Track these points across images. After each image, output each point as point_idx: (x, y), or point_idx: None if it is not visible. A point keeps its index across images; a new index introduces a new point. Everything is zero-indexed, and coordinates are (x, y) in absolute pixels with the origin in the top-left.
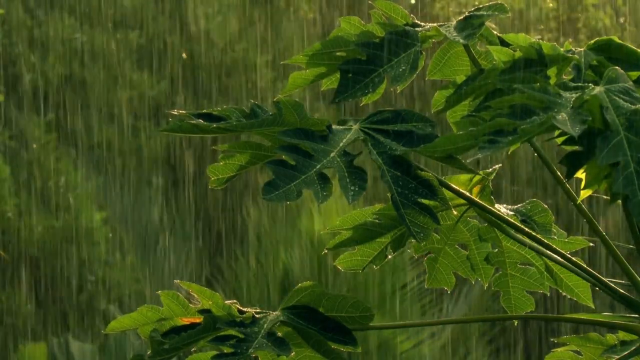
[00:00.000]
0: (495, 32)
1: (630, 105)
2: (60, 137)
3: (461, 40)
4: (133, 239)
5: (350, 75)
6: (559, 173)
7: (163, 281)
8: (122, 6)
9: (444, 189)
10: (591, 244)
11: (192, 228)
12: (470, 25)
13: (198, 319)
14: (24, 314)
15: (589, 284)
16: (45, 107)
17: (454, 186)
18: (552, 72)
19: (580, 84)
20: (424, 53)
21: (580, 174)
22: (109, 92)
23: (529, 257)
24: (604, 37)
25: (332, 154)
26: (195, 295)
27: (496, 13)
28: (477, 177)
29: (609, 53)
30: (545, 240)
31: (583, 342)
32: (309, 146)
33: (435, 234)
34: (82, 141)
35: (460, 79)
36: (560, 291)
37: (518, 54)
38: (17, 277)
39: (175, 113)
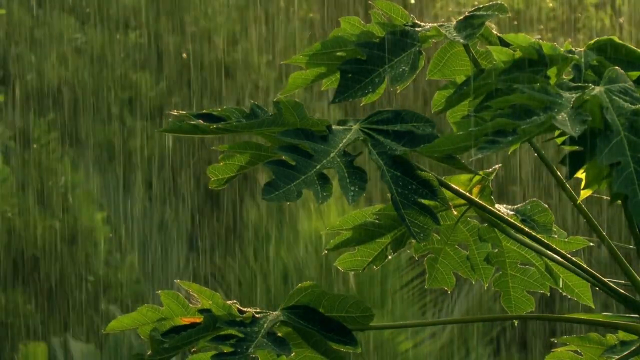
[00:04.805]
0: (495, 32)
1: (630, 105)
2: (60, 137)
3: (461, 40)
4: (133, 239)
5: (350, 75)
6: (559, 173)
7: (163, 281)
8: (123, 6)
9: (444, 189)
10: (591, 244)
11: (192, 228)
12: (470, 25)
13: (198, 319)
14: (24, 314)
15: (589, 284)
16: (46, 107)
17: (454, 186)
18: (552, 72)
19: (580, 84)
20: (424, 53)
21: (580, 174)
22: (109, 92)
23: (529, 257)
24: (604, 37)
25: (332, 154)
26: (195, 295)
27: (496, 13)
28: (477, 177)
29: (609, 53)
30: (546, 240)
31: (583, 342)
32: (308, 146)
33: (435, 234)
34: (82, 141)
35: (460, 79)
36: (560, 291)
37: (518, 54)
38: (17, 277)
39: (175, 113)
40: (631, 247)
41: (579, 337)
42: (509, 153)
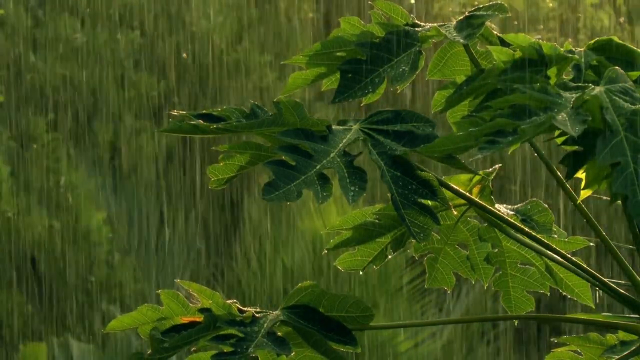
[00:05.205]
0: (495, 32)
1: (630, 105)
2: (60, 137)
3: (461, 40)
4: (133, 239)
5: (350, 75)
6: (559, 173)
7: (163, 281)
8: (123, 6)
9: (444, 189)
10: (591, 244)
11: (192, 228)
12: (470, 25)
13: (198, 318)
14: (24, 314)
15: (589, 283)
16: (46, 107)
17: (454, 186)
18: (552, 72)
19: (580, 84)
20: (424, 53)
21: (580, 174)
22: (109, 92)
23: (529, 257)
24: (604, 37)
25: (332, 154)
26: (195, 295)
27: (496, 13)
28: (477, 177)
29: (609, 53)
30: (545, 240)
31: (583, 342)
32: (308, 146)
33: (435, 234)
34: (82, 141)
35: (460, 79)
36: (561, 291)
37: (518, 54)
38: (17, 277)
39: (175, 113)
40: (631, 247)
41: (579, 337)
42: (509, 153)
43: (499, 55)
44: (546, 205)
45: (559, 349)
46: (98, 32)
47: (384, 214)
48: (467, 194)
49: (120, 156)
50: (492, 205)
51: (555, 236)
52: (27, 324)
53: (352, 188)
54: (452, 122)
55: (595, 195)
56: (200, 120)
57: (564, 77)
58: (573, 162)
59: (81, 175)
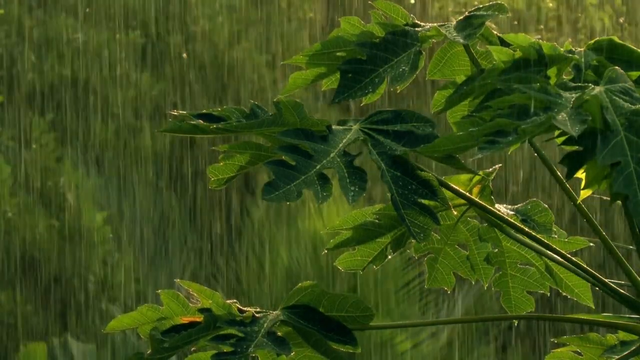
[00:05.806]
0: (495, 32)
1: (630, 105)
2: (60, 137)
3: (461, 40)
4: (133, 239)
5: (350, 75)
6: (559, 173)
7: (163, 281)
8: (123, 6)
9: (444, 189)
10: (591, 244)
11: (192, 228)
12: (470, 25)
13: (198, 318)
14: (24, 314)
15: (589, 284)
16: (46, 107)
17: (454, 186)
18: (552, 72)
19: (580, 84)
20: (424, 53)
21: (580, 174)
22: (109, 92)
23: (529, 257)
24: (604, 37)
25: (332, 154)
26: (195, 295)
27: (496, 13)
28: (477, 177)
29: (609, 53)
30: (546, 240)
31: (583, 342)
32: (308, 146)
33: (435, 234)
34: (82, 141)
35: (460, 79)
36: (561, 291)
37: (518, 54)
38: (17, 277)
39: (175, 113)
40: (631, 247)
41: (579, 337)
42: (509, 153)
43: (499, 55)
44: (546, 205)
45: (559, 349)
46: (98, 31)
47: (384, 214)
48: (467, 194)
49: (120, 156)
50: (492, 205)
51: (556, 236)
52: (27, 324)
53: (352, 188)
54: (452, 122)
55: (595, 195)
56: (200, 120)
57: (564, 77)
58: (573, 162)
59: (81, 175)
